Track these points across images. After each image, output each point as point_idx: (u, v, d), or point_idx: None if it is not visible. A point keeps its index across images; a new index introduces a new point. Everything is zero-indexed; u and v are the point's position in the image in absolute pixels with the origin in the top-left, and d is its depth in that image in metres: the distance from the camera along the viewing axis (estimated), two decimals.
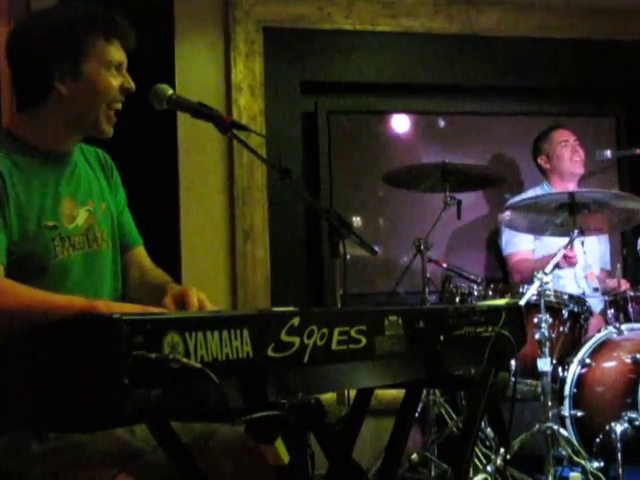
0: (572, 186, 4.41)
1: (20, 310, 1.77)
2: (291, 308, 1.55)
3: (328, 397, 2.13)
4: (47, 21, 2.10)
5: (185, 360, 1.28)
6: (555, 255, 3.60)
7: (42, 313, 1.75)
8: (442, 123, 4.91)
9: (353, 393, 2.05)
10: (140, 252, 2.30)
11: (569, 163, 4.48)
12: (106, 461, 1.79)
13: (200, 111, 2.17)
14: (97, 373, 1.24)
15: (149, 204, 2.35)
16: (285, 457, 1.70)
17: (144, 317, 1.30)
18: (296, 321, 1.48)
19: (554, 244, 3.98)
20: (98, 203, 2.16)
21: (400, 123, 4.89)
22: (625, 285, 4.13)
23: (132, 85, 2.10)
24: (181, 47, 4.36)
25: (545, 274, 3.54)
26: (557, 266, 3.60)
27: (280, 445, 1.64)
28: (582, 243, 3.75)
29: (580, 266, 4.16)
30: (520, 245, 4.43)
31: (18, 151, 2.03)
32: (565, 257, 3.65)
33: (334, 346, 1.54)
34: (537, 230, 3.93)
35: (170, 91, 2.17)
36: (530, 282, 3.60)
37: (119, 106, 2.10)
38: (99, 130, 2.09)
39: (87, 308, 1.74)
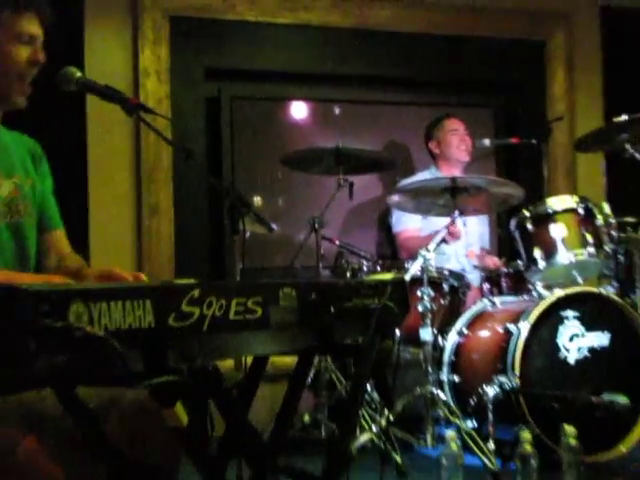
0: (457, 171, 4.49)
1: None
2: (192, 281, 1.55)
3: (226, 364, 2.14)
4: None
5: (89, 329, 1.27)
6: (439, 232, 3.69)
7: None
8: (337, 110, 4.94)
9: (250, 360, 2.06)
10: (60, 236, 2.26)
11: (456, 150, 4.57)
12: (14, 425, 1.76)
13: (107, 93, 2.13)
14: (4, 340, 1.22)
15: (58, 182, 2.30)
16: (184, 419, 1.70)
17: (50, 288, 1.29)
18: (196, 293, 1.47)
19: (440, 223, 4.05)
20: (24, 179, 2.12)
21: (298, 109, 4.91)
22: (498, 263, 4.26)
23: (40, 57, 2.05)
24: (90, 33, 4.32)
25: (428, 251, 3.61)
26: (444, 241, 3.68)
27: (180, 408, 1.64)
28: (464, 223, 3.84)
29: (462, 244, 4.25)
30: (408, 224, 4.49)
31: None
32: (450, 233, 3.73)
33: (232, 316, 1.54)
34: (423, 211, 3.99)
35: (78, 74, 2.12)
36: (417, 258, 3.68)
37: (29, 79, 2.05)
38: (10, 102, 2.06)
39: None
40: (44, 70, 2.09)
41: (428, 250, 3.60)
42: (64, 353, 1.24)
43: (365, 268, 3.85)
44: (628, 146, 3.75)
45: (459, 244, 4.23)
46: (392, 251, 4.70)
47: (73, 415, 1.58)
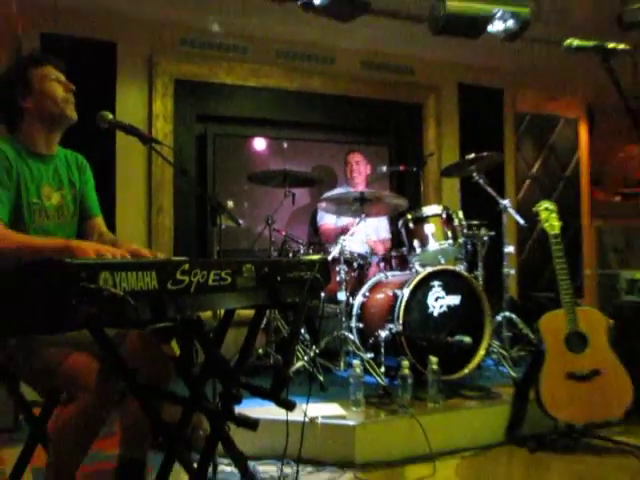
0: (361, 187, 4.48)
1: (16, 248, 1.73)
2: (184, 258, 1.54)
3: (206, 315, 2.14)
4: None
5: (113, 290, 1.26)
6: (349, 227, 3.73)
7: (31, 250, 1.72)
8: (285, 145, 4.93)
9: (222, 312, 2.05)
10: (99, 221, 2.21)
11: (356, 175, 4.53)
12: (63, 348, 1.77)
13: (131, 130, 2.10)
14: (57, 297, 1.22)
15: (96, 189, 2.26)
16: (177, 352, 1.69)
17: (87, 262, 1.28)
18: (186, 266, 1.47)
19: (347, 221, 4.11)
20: (69, 190, 2.09)
21: (259, 144, 4.88)
22: (381, 248, 4.31)
23: (71, 85, 2.05)
24: (120, 89, 4.27)
25: (344, 240, 3.64)
26: (346, 233, 3.73)
27: (174, 344, 1.63)
28: (365, 221, 3.80)
29: (364, 235, 4.26)
30: (326, 220, 4.47)
31: (22, 151, 1.98)
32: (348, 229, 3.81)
33: (210, 282, 1.54)
34: (340, 213, 3.99)
35: (110, 116, 2.08)
36: (333, 242, 3.70)
37: (72, 97, 2.04)
38: (66, 117, 2.03)
39: (63, 245, 1.71)
40: (89, 115, 2.06)
41: (344, 239, 3.64)
42: (95, 306, 1.24)
43: (302, 251, 3.85)
44: (475, 174, 3.83)
45: (362, 235, 4.23)
46: (319, 240, 4.71)
47: (101, 346, 1.56)
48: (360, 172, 4.54)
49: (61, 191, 2.06)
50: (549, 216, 3.10)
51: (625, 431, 3.02)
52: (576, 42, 1.94)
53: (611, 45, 1.90)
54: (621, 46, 1.90)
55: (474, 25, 3.86)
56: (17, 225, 1.90)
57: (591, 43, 1.92)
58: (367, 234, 4.29)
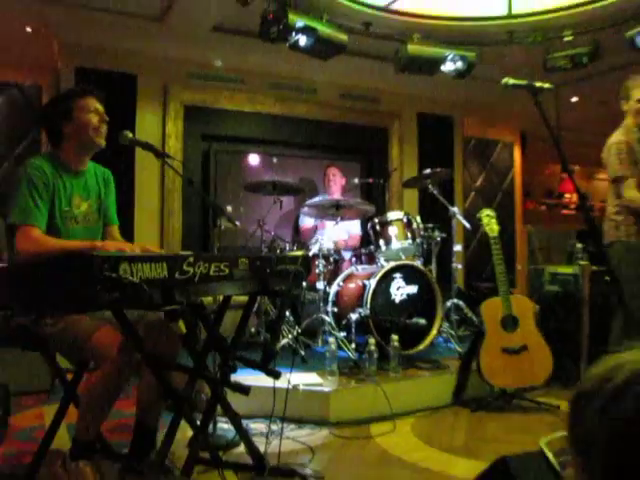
0: (337, 195, 4.39)
1: (50, 250, 1.75)
2: (189, 252, 1.54)
3: (208, 300, 2.13)
4: (54, 100, 2.05)
5: (131, 278, 1.26)
6: (323, 225, 3.73)
7: (63, 252, 1.71)
8: (274, 160, 4.91)
9: (221, 297, 2.05)
10: (114, 230, 2.19)
11: (332, 186, 4.42)
12: (92, 323, 1.78)
13: (147, 146, 2.08)
14: (85, 283, 1.22)
15: (119, 196, 2.24)
16: (183, 330, 1.69)
17: (110, 255, 1.28)
18: (191, 259, 1.47)
19: (324, 223, 4.08)
20: (95, 200, 2.09)
21: (254, 159, 4.85)
22: (342, 245, 4.24)
23: (105, 117, 2.02)
24: (140, 112, 4.23)
25: (322, 239, 3.64)
26: (316, 232, 3.74)
27: (181, 323, 1.63)
28: (338, 223, 3.80)
29: (336, 235, 4.24)
30: (305, 222, 4.44)
31: (58, 166, 1.97)
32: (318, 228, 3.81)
33: (211, 273, 1.55)
34: (320, 217, 3.96)
35: (130, 134, 2.06)
36: (309, 239, 3.70)
37: (104, 127, 2.01)
38: (95, 143, 2.00)
39: (90, 246, 1.73)
40: (114, 134, 2.03)
41: (322, 238, 3.64)
42: (116, 291, 1.24)
43: (287, 247, 3.84)
44: (430, 186, 3.85)
45: (335, 235, 4.20)
46: (299, 238, 4.68)
47: (121, 324, 1.56)
48: (336, 183, 4.50)
49: (89, 201, 2.06)
50: (490, 221, 3.15)
51: (546, 394, 3.08)
52: (511, 81, 1.98)
53: (538, 84, 1.94)
54: (546, 85, 1.95)
55: (430, 65, 3.93)
56: (52, 229, 1.89)
57: (523, 82, 1.96)
58: (338, 235, 4.28)
